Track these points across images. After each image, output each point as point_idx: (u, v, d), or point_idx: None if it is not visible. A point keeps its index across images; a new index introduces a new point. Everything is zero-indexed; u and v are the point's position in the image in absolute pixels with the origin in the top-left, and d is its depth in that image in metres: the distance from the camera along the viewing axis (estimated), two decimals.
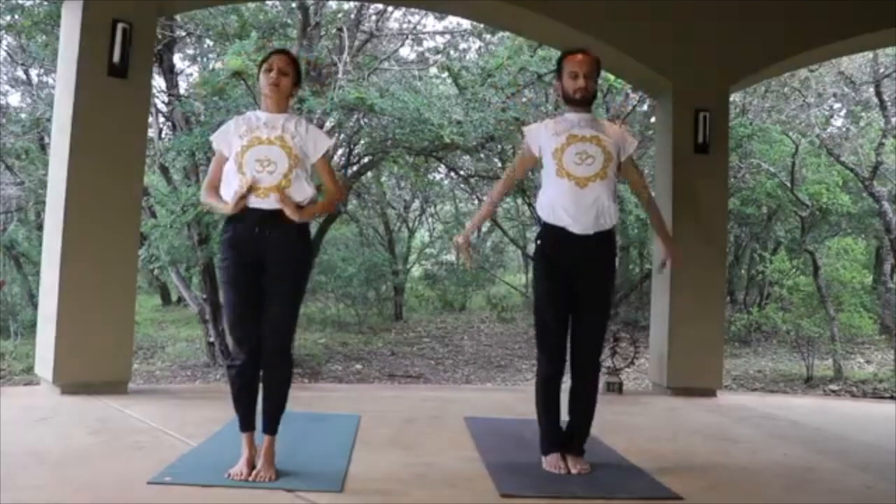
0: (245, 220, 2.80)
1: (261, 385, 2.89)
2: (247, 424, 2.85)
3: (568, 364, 3.22)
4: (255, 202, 2.79)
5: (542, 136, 3.20)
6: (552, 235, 3.13)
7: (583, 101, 3.17)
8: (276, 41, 9.01)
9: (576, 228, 3.07)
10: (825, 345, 9.40)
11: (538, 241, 3.22)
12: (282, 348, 2.85)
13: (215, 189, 2.91)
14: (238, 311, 2.83)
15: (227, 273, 2.84)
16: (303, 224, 2.88)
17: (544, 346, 3.17)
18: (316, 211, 2.97)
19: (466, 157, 10.29)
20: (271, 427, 2.86)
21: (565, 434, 3.21)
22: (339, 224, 11.60)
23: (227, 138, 2.90)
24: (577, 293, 3.12)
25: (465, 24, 10.00)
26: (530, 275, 13.70)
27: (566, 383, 3.22)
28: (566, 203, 3.07)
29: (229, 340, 2.91)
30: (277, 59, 2.91)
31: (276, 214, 2.79)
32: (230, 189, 2.83)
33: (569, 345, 3.19)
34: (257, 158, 2.79)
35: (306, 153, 2.87)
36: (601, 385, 4.16)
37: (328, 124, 8.72)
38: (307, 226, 2.92)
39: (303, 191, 2.84)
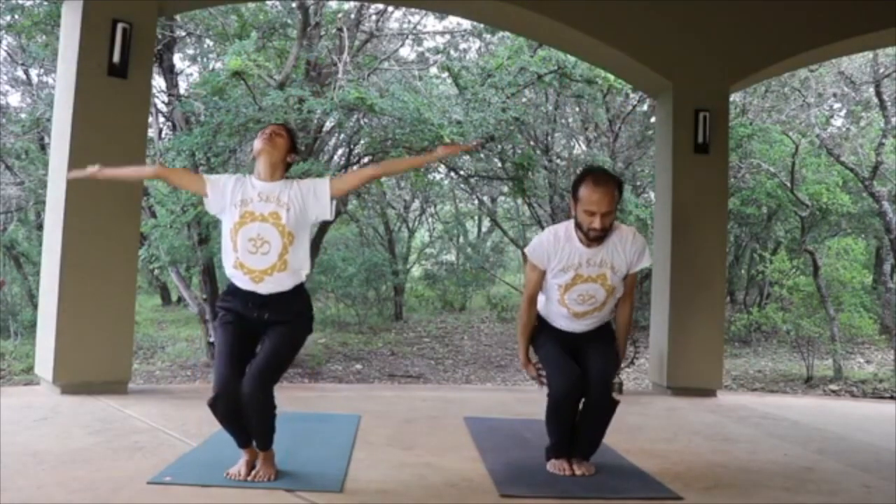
0: (243, 299, 2.79)
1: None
2: (243, 442, 2.82)
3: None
4: (251, 286, 2.77)
5: (549, 261, 3.05)
6: (548, 324, 3.20)
7: (596, 240, 2.99)
8: (277, 41, 9.02)
9: (571, 332, 3.16)
10: (825, 345, 9.40)
11: (535, 322, 3.25)
12: (259, 390, 2.70)
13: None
14: (223, 353, 2.76)
15: (221, 322, 2.83)
16: (304, 298, 2.87)
17: (555, 366, 3.08)
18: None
19: (466, 157, 10.29)
20: (263, 445, 2.82)
21: (572, 440, 3.17)
22: (339, 224, 11.61)
23: (223, 194, 2.78)
24: (579, 353, 3.13)
25: (465, 24, 10.01)
26: None
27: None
28: (562, 322, 3.16)
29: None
30: (272, 125, 2.89)
31: (275, 297, 2.78)
32: (228, 259, 2.81)
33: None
34: (249, 237, 2.73)
35: (309, 209, 2.78)
36: None
37: (328, 124, 8.72)
38: (309, 300, 2.91)
39: (297, 273, 2.81)
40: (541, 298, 3.22)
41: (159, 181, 9.21)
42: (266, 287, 2.77)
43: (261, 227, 2.73)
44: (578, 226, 2.98)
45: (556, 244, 3.04)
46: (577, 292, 3.06)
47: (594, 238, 2.96)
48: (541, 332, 3.21)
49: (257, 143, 2.80)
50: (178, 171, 2.95)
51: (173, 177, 3.28)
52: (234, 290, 2.84)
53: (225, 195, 2.79)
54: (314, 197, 2.79)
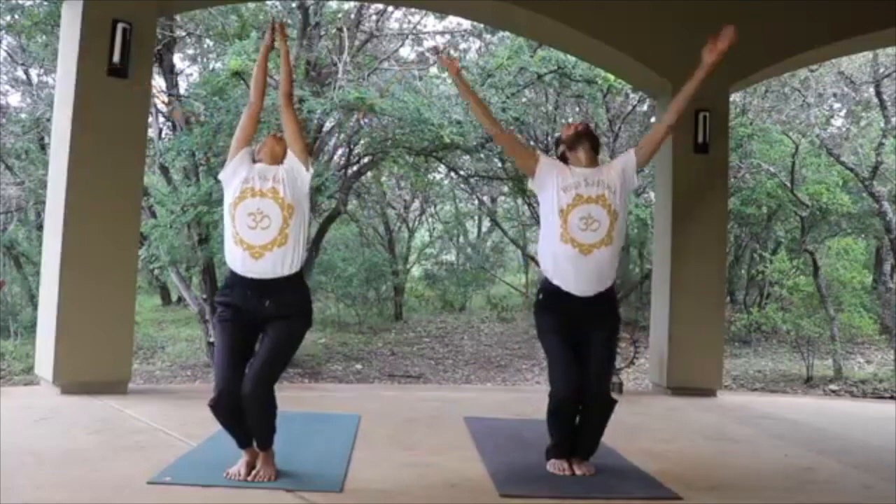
0: (242, 290, 2.79)
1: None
2: (243, 443, 2.83)
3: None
4: (251, 270, 2.77)
5: (551, 178, 3.12)
6: (553, 294, 3.13)
7: (586, 134, 3.19)
8: (276, 41, 9.01)
9: (577, 291, 3.08)
10: (825, 345, 9.40)
11: (539, 295, 3.21)
12: (260, 389, 2.73)
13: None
14: (223, 354, 2.78)
15: (219, 319, 2.83)
16: (304, 291, 2.89)
17: (558, 366, 3.08)
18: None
19: (466, 157, 10.29)
20: (263, 445, 2.82)
21: (574, 442, 3.17)
22: (339, 224, 11.60)
23: (239, 164, 2.89)
24: (581, 341, 3.10)
25: (465, 24, 10.01)
26: (531, 276, 13.74)
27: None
28: (568, 269, 3.07)
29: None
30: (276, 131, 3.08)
31: (274, 282, 2.78)
32: (228, 235, 2.83)
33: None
34: (249, 212, 2.78)
35: (296, 178, 2.87)
36: None
37: (328, 124, 8.72)
38: (308, 293, 2.93)
39: (296, 250, 2.82)
40: (543, 253, 3.18)
41: (159, 182, 9.25)
42: (265, 264, 2.77)
43: (261, 203, 2.80)
44: (567, 144, 3.22)
45: (560, 164, 3.23)
46: (579, 215, 3.05)
47: (582, 131, 3.22)
48: (545, 311, 3.16)
49: (263, 140, 2.97)
50: (256, 119, 3.05)
51: (253, 115, 3.08)
52: (232, 283, 2.84)
53: (240, 165, 2.89)
54: (292, 165, 2.90)
